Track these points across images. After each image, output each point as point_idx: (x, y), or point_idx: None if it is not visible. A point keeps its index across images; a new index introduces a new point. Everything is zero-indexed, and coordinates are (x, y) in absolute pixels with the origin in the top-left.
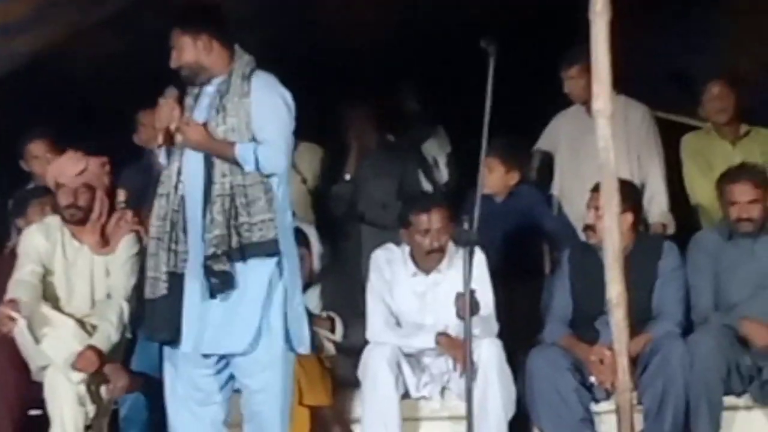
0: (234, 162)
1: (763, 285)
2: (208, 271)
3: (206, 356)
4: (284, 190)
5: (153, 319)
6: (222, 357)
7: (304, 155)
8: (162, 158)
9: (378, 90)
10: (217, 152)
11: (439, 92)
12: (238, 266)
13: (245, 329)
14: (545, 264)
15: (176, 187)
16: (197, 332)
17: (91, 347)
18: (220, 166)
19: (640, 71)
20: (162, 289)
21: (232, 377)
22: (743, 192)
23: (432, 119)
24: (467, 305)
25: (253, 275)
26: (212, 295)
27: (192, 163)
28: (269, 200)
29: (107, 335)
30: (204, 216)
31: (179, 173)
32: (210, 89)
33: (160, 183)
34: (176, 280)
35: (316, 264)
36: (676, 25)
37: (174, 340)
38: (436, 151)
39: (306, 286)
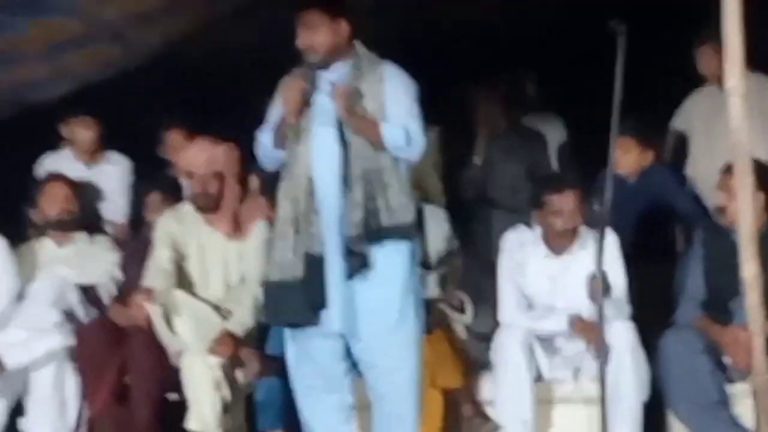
0: (375, 141)
1: None
2: (349, 253)
3: (333, 340)
4: (410, 175)
5: (287, 302)
6: (346, 340)
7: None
8: (269, 142)
9: (502, 74)
10: (361, 127)
11: (559, 78)
12: (375, 248)
13: (389, 310)
14: (678, 245)
15: (307, 169)
16: (344, 312)
17: (228, 332)
18: (355, 147)
19: None
20: (298, 271)
21: (354, 362)
22: None
23: (549, 105)
24: (600, 285)
25: (391, 257)
26: (349, 277)
27: (325, 144)
28: (401, 184)
29: (243, 320)
30: (341, 198)
31: (308, 154)
32: (331, 75)
33: (284, 166)
34: (311, 261)
35: (439, 246)
36: None
37: (309, 323)
38: (550, 139)
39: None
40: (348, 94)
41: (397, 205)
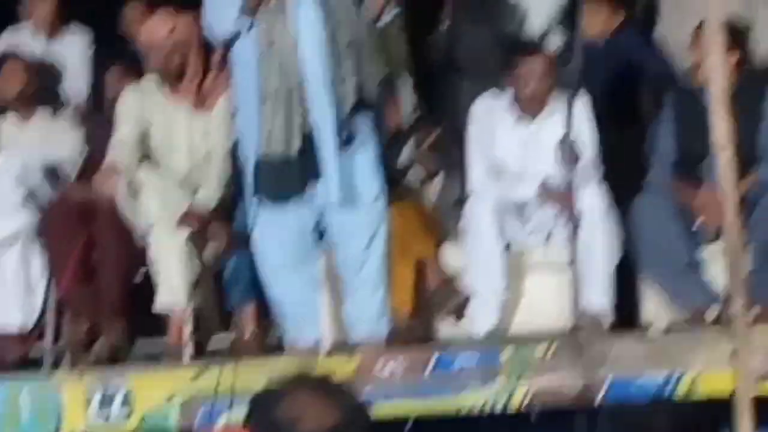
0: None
1: None
2: (342, 124)
3: (308, 212)
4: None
5: (281, 175)
6: (320, 212)
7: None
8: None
9: None
10: None
11: None
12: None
13: (374, 179)
14: (646, 107)
15: (293, 40)
16: (337, 184)
17: (195, 206)
18: (340, 15)
19: None
20: (295, 144)
21: (323, 234)
22: None
23: None
24: (568, 151)
25: (366, 127)
26: (342, 147)
27: (308, 14)
28: (371, 54)
29: (210, 194)
30: (329, 69)
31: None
32: None
33: (263, 37)
34: (305, 135)
35: (406, 116)
36: None
37: (300, 194)
38: None
39: (396, 138)
40: None
41: (376, 76)
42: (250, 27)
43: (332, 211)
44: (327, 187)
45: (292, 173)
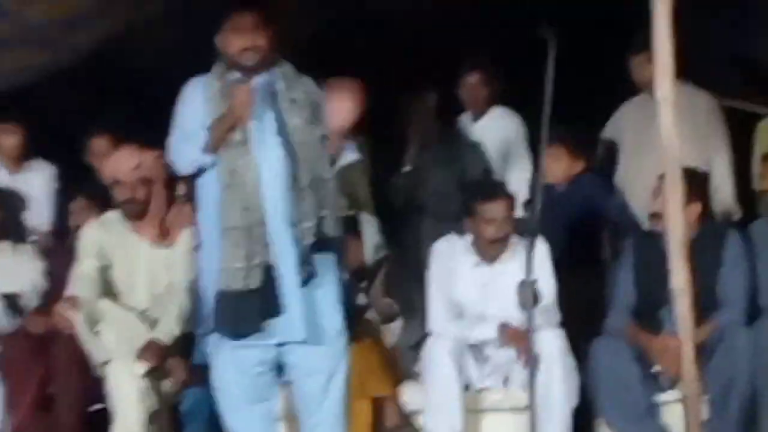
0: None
1: None
2: (303, 260)
3: (265, 350)
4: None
5: (239, 312)
6: (278, 350)
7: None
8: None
9: (436, 80)
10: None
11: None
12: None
13: (335, 316)
14: (605, 253)
15: (255, 178)
16: (301, 321)
17: (154, 340)
18: (301, 155)
19: (702, 57)
20: (254, 280)
21: (282, 371)
22: None
23: None
24: (529, 294)
25: (326, 265)
26: (303, 285)
27: (271, 154)
28: (332, 194)
29: (170, 328)
30: (290, 206)
31: (256, 162)
32: (261, 80)
33: (226, 173)
34: (266, 271)
35: (369, 255)
36: (738, 9)
37: (259, 332)
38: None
39: (358, 277)
40: None
41: (334, 215)
42: (213, 164)
43: (292, 348)
44: (289, 325)
45: (251, 309)
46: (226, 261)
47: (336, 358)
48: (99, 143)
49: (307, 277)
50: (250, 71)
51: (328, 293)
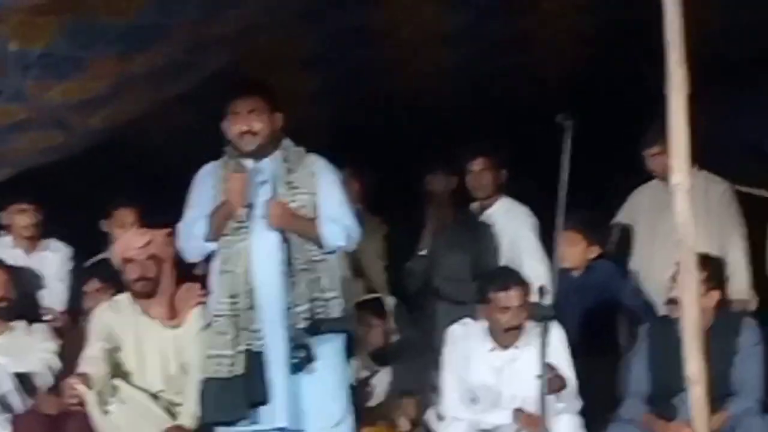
0: (315, 239)
1: None
2: (296, 346)
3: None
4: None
5: (226, 398)
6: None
7: (377, 232)
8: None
9: (454, 164)
10: (300, 229)
11: (511, 167)
12: (313, 341)
13: (335, 403)
14: (622, 339)
15: (246, 265)
16: (290, 407)
17: (178, 426)
18: (295, 240)
19: (717, 145)
20: (239, 367)
21: None
22: None
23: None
24: (544, 380)
25: (328, 349)
26: (296, 370)
27: (265, 239)
28: (332, 277)
29: (192, 412)
30: (286, 292)
31: (248, 250)
32: (263, 165)
33: (220, 260)
34: (252, 357)
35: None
36: (753, 98)
37: (246, 418)
38: None
39: (381, 359)
40: (281, 206)
41: (332, 298)
42: (215, 252)
43: None
44: (274, 411)
45: (236, 396)
46: (212, 348)
47: None
48: (124, 214)
49: (302, 362)
50: (250, 155)
51: (326, 379)
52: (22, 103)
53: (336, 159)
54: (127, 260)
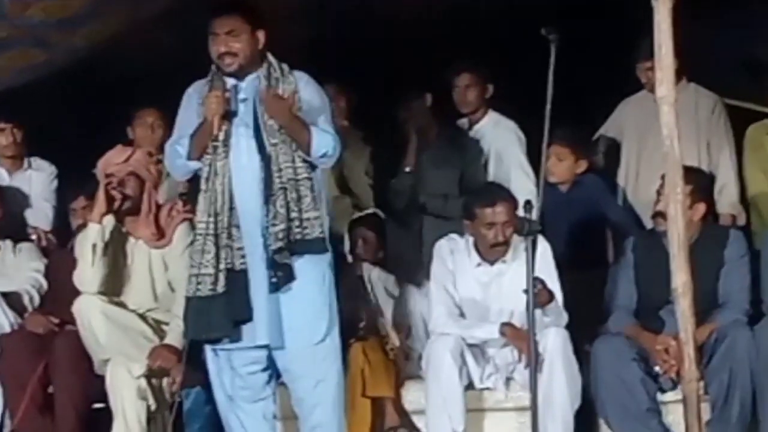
0: (304, 143)
1: None
2: (274, 265)
3: (256, 350)
4: (324, 189)
5: (208, 316)
6: (269, 351)
7: (363, 149)
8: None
9: (435, 80)
10: (293, 127)
11: (496, 81)
12: (298, 260)
13: (318, 321)
14: (609, 253)
15: (227, 183)
16: (270, 325)
17: (166, 345)
18: (276, 159)
19: (708, 59)
20: (221, 286)
21: (277, 371)
22: None
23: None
24: (530, 295)
25: (311, 268)
26: (275, 289)
27: (246, 156)
28: (314, 198)
29: (180, 330)
30: (264, 210)
31: (228, 168)
32: (245, 84)
33: (202, 179)
34: (234, 276)
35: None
36: (743, 11)
37: (229, 336)
38: None
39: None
40: (279, 99)
41: (311, 218)
42: (198, 170)
43: (276, 351)
44: (254, 329)
45: (219, 314)
46: (195, 267)
47: (322, 363)
48: (146, 113)
49: (280, 281)
50: (232, 75)
51: (309, 297)
52: (1, 21)
53: (320, 77)
54: (108, 176)
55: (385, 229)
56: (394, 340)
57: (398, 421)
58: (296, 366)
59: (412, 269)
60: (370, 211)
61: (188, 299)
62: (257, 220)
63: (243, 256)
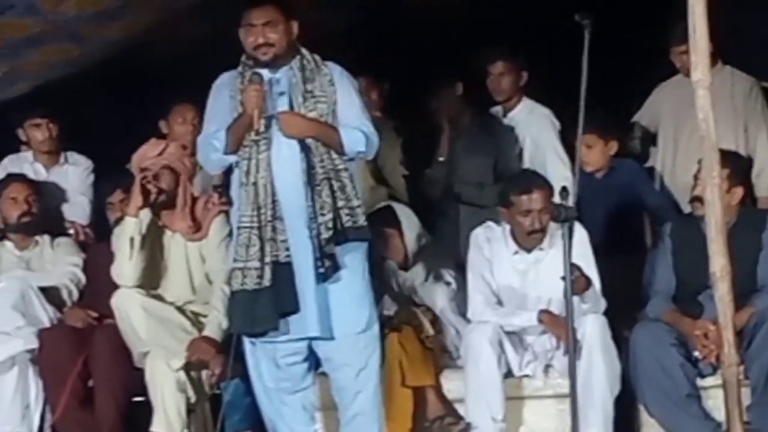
0: (335, 146)
1: None
2: (321, 255)
3: (298, 342)
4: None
5: (255, 309)
6: (309, 341)
7: (396, 140)
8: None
9: (467, 68)
10: (319, 135)
11: (531, 68)
12: (338, 250)
13: (361, 309)
14: (647, 239)
15: (268, 176)
16: (320, 316)
17: (205, 337)
18: (316, 150)
19: (743, 42)
20: (267, 279)
21: (316, 361)
22: None
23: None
24: (568, 282)
25: (353, 258)
26: (323, 280)
27: (286, 149)
28: (354, 186)
29: (218, 322)
30: (309, 201)
31: (269, 161)
32: (280, 76)
33: (242, 172)
34: (279, 268)
35: (412, 245)
36: None
37: (276, 329)
38: None
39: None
40: (294, 117)
41: (356, 206)
42: (236, 164)
43: (318, 341)
44: (304, 321)
45: (266, 307)
46: (239, 261)
47: (364, 351)
48: (184, 108)
49: (328, 271)
50: (266, 66)
51: (352, 286)
52: (35, 16)
53: (351, 67)
54: (143, 169)
55: (400, 222)
56: (429, 329)
57: (443, 410)
58: (339, 355)
59: (449, 259)
60: (381, 205)
61: (233, 293)
62: (301, 212)
63: (287, 249)
